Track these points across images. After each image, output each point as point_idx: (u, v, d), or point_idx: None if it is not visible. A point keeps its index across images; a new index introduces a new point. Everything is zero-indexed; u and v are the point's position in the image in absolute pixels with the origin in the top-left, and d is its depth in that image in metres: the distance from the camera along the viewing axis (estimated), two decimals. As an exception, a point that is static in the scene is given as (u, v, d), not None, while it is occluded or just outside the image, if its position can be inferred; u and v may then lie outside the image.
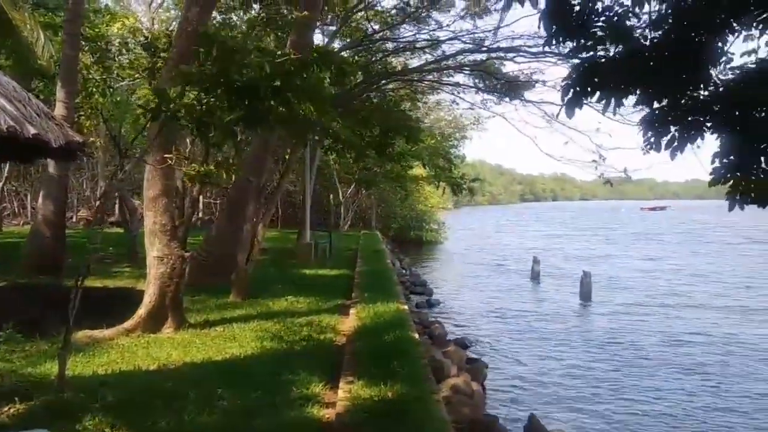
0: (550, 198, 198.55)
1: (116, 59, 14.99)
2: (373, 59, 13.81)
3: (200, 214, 29.48)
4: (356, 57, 14.05)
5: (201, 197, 26.74)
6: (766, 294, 19.62)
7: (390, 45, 14.93)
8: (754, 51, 4.48)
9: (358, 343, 7.72)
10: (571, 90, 4.20)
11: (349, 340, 8.04)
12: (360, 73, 13.17)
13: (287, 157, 13.43)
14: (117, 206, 23.08)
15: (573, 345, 13.06)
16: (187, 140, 17.66)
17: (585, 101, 4.24)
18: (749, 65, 4.34)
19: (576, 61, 4.56)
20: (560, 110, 4.34)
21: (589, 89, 4.17)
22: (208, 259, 11.96)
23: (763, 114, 4.16)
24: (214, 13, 13.26)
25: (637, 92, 4.31)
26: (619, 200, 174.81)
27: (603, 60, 4.29)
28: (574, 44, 4.26)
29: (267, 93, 5.09)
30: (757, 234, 45.73)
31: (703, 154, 4.70)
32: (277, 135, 9.82)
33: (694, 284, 22.10)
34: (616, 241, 43.25)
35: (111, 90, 15.99)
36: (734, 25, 4.16)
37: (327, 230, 22.26)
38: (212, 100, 5.65)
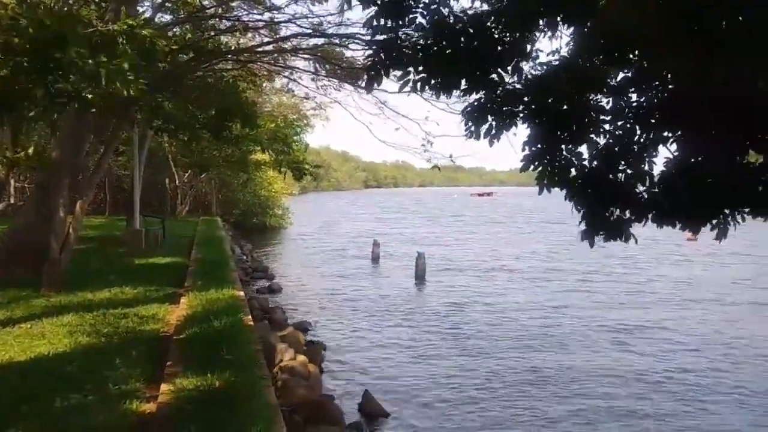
0: (391, 184, 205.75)
1: None
2: (204, 36, 13.11)
3: (12, 200, 25.98)
4: (186, 33, 13.27)
5: (13, 181, 23.49)
6: (572, 266, 22.36)
7: (224, 24, 14.31)
8: (557, 51, 5.04)
9: (187, 333, 7.41)
10: (375, 67, 4.42)
11: (177, 329, 7.67)
12: (191, 51, 12.45)
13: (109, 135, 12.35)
14: None
15: (408, 322, 13.76)
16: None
17: (384, 77, 4.48)
18: (553, 62, 4.88)
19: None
20: (365, 84, 4.62)
21: (389, 67, 4.42)
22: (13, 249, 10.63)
23: (564, 106, 4.72)
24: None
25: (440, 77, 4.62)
26: (453, 187, 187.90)
27: (404, 39, 4.54)
28: (393, 26, 4.45)
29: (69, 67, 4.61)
30: (565, 216, 51.97)
31: (519, 142, 5.17)
32: (92, 112, 8.96)
33: (512, 260, 24.46)
34: (447, 224, 46.30)
35: None
36: (539, 24, 4.65)
37: (160, 216, 20.84)
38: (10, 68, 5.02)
